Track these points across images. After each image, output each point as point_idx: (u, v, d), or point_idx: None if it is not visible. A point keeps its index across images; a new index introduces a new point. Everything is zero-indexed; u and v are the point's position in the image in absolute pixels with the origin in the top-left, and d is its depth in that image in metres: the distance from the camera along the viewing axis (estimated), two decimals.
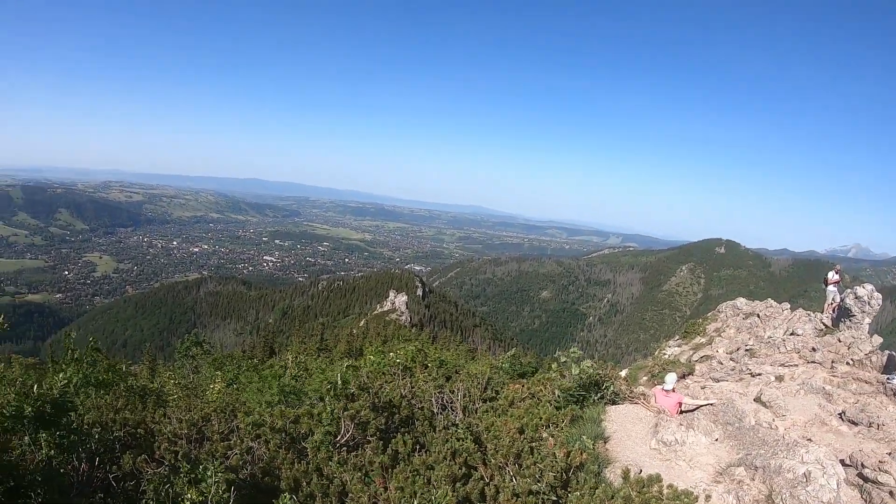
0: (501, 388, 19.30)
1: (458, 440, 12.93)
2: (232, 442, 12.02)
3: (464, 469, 11.85)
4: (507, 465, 12.05)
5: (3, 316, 7.73)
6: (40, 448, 7.94)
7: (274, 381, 17.75)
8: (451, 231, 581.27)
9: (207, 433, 13.08)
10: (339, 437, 12.79)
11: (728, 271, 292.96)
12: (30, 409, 7.74)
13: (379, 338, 71.22)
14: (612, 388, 16.77)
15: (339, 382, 14.39)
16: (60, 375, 8.83)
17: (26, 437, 7.95)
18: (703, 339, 35.21)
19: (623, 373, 23.36)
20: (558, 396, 16.40)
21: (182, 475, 8.37)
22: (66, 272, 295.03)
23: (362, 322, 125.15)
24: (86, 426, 8.80)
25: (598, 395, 16.30)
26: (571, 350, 17.42)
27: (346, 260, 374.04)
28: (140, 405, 15.63)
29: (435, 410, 15.99)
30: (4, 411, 7.63)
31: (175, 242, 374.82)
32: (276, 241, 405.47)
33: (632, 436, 14.36)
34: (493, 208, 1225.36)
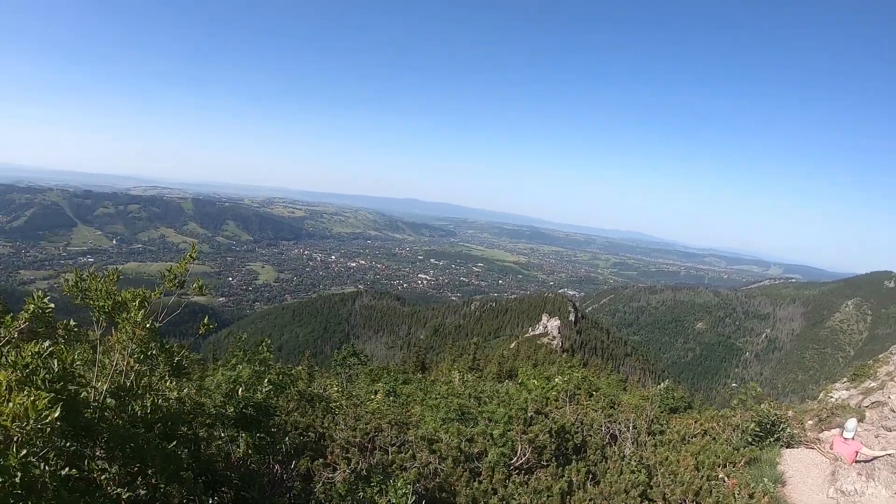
0: (668, 421, 18.61)
1: (632, 472, 12.45)
2: (408, 454, 11.94)
3: (642, 502, 11.38)
4: (685, 502, 11.50)
5: (206, 317, 7.78)
6: (238, 447, 8.00)
7: (450, 399, 17.57)
8: (607, 256, 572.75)
9: (380, 443, 13.05)
10: (513, 460, 12.53)
11: None
12: (232, 409, 7.80)
13: (529, 361, 70.80)
14: (788, 431, 15.91)
15: (520, 406, 14.22)
16: (241, 374, 8.86)
17: (223, 434, 8.04)
18: (874, 384, 33.04)
19: (789, 415, 22.23)
20: (735, 435, 15.66)
21: (374, 484, 8.30)
22: (231, 278, 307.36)
23: (513, 344, 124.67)
24: (276, 430, 8.80)
25: (775, 436, 15.49)
26: (749, 386, 16.63)
27: (500, 281, 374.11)
28: (309, 409, 15.81)
29: (605, 440, 15.53)
30: (210, 410, 7.73)
31: (333, 257, 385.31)
32: (432, 260, 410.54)
33: (808, 482, 13.69)
34: (650, 234, 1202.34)
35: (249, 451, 7.95)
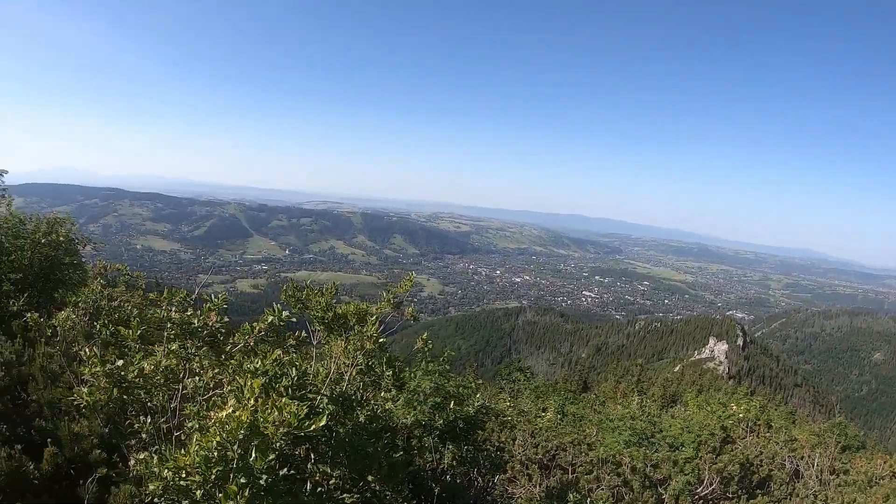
0: (849, 460, 17.71)
1: None
2: (592, 476, 11.84)
3: None
4: None
5: (426, 333, 8.01)
6: (443, 458, 8.16)
7: (633, 421, 17.33)
8: (778, 277, 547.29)
9: (560, 462, 13.00)
10: (699, 489, 12.21)
11: None
12: (442, 421, 7.96)
13: (694, 387, 68.71)
14: None
15: (710, 432, 13.91)
16: (422, 384, 9.01)
17: (428, 444, 8.21)
18: None
19: None
20: None
21: (571, 502, 8.29)
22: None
23: (677, 367, 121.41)
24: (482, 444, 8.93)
25: None
26: None
27: (666, 301, 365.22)
28: (487, 423, 15.90)
29: (789, 476, 14.96)
30: (421, 420, 7.93)
31: (498, 271, 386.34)
32: (596, 277, 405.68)
33: None
34: (825, 253, 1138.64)
35: (454, 463, 8.08)
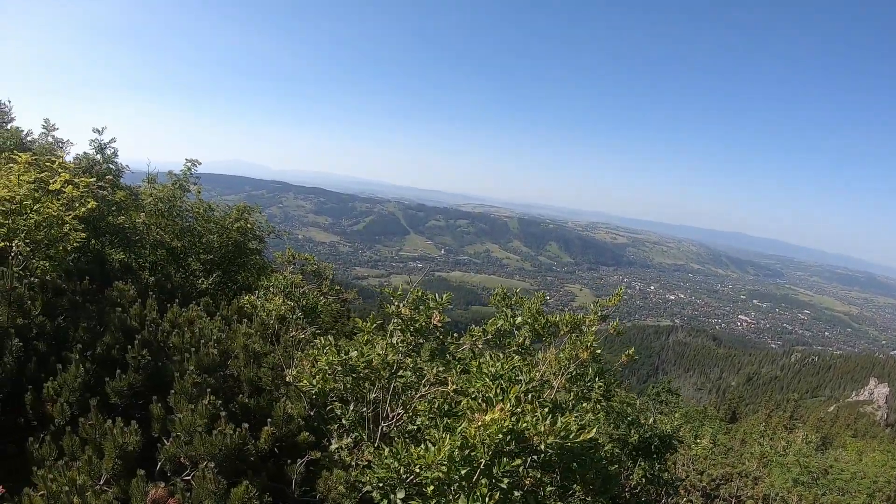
0: None
1: None
2: None
3: None
4: None
5: (631, 349, 8.04)
6: (632, 475, 8.15)
7: (806, 458, 16.77)
8: None
9: (724, 493, 12.71)
10: None
11: None
12: (636, 437, 7.95)
13: (848, 431, 65.59)
14: None
15: (886, 480, 13.29)
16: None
17: (620, 456, 8.22)
18: None
19: None
20: None
21: None
22: (548, 297, 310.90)
23: (832, 408, 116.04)
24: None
25: None
26: None
27: (826, 333, 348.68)
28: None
29: None
30: (614, 435, 7.95)
31: (652, 287, 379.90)
32: (754, 301, 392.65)
33: None
34: None
35: (643, 481, 8.03)
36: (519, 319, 6.93)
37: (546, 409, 4.78)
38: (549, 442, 4.57)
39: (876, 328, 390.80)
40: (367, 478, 4.99)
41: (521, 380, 5.34)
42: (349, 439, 6.71)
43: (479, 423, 4.55)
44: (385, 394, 6.79)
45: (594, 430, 4.86)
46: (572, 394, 6.44)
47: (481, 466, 4.52)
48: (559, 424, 4.59)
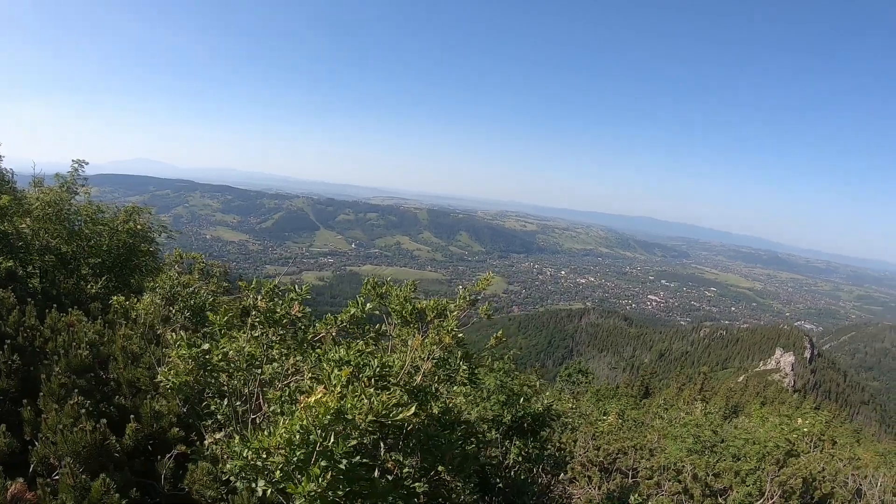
0: None
1: None
2: (653, 482, 11.84)
3: None
4: None
5: (501, 331, 8.20)
6: (508, 454, 8.29)
7: (698, 428, 17.24)
8: (850, 288, 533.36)
9: (621, 466, 13.02)
10: (759, 501, 12.12)
11: None
12: (510, 417, 8.08)
13: (758, 398, 67.72)
14: None
15: (775, 445, 13.79)
16: (487, 381, 9.12)
17: (494, 438, 8.36)
18: None
19: None
20: None
21: None
22: (460, 286, 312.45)
23: (741, 378, 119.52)
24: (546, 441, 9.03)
25: None
26: None
27: (732, 308, 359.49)
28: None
29: (851, 495, 14.74)
30: (487, 415, 8.07)
31: (563, 272, 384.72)
32: (662, 282, 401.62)
33: None
34: None
35: (519, 459, 8.19)
36: (369, 306, 7.00)
37: (370, 390, 4.86)
38: (368, 420, 4.65)
39: (779, 302, 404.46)
40: (229, 468, 5.00)
41: (368, 364, 5.41)
42: (222, 434, 6.69)
43: (303, 406, 4.61)
44: (255, 387, 6.79)
45: (412, 408, 4.96)
46: (430, 378, 6.52)
47: (317, 448, 4.56)
48: (376, 404, 4.67)
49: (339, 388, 4.77)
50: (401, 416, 4.81)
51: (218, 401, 7.04)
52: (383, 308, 7.14)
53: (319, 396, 4.52)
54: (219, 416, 7.02)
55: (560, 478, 11.42)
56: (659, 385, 79.08)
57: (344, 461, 4.57)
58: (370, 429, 4.83)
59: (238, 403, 6.96)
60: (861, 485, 15.25)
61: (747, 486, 12.43)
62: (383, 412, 4.66)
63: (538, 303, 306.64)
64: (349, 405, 4.56)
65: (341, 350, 5.46)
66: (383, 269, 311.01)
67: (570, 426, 17.51)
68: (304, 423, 4.48)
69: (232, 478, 5.22)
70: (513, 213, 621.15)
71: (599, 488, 11.33)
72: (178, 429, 7.51)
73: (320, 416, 4.45)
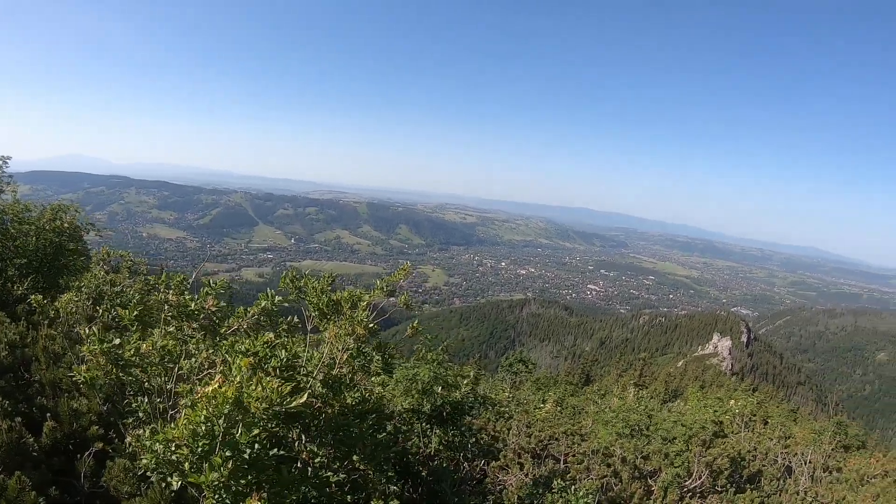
0: (845, 459, 17.90)
1: None
2: (583, 466, 12.05)
3: None
4: None
5: (416, 321, 8.33)
6: (431, 442, 8.40)
7: (626, 414, 17.55)
8: (784, 274, 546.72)
9: (553, 452, 13.22)
10: (688, 481, 12.41)
11: None
12: (429, 406, 8.19)
13: (697, 382, 68.84)
14: None
15: (701, 426, 14.12)
16: (420, 373, 9.23)
17: (418, 428, 8.47)
18: None
19: None
20: None
21: (555, 491, 8.48)
22: (401, 280, 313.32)
23: (681, 363, 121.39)
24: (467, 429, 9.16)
25: None
26: None
27: (671, 296, 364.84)
28: (483, 412, 16.17)
29: (780, 472, 15.14)
30: (409, 405, 8.16)
31: (503, 263, 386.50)
32: (602, 271, 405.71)
33: None
34: (830, 251, 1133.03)
35: (440, 447, 8.30)
36: (278, 299, 7.06)
37: (269, 379, 4.93)
38: (262, 408, 4.73)
39: (716, 289, 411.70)
40: (145, 463, 5.04)
41: (275, 355, 5.47)
42: (145, 430, 6.70)
43: (200, 396, 4.68)
44: (174, 382, 6.80)
45: (304, 396, 5.06)
46: (346, 369, 6.61)
47: (220, 438, 4.63)
48: (270, 392, 4.75)
49: (239, 378, 4.85)
50: (294, 403, 4.88)
51: (140, 398, 7.05)
52: (303, 301, 7.19)
53: (216, 387, 4.60)
54: (140, 414, 7.02)
55: (492, 465, 11.56)
56: (600, 372, 79.90)
57: (248, 451, 4.65)
58: (268, 417, 4.89)
59: (158, 400, 6.97)
60: (791, 462, 15.66)
61: (675, 467, 12.72)
62: (277, 400, 4.73)
63: (479, 294, 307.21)
64: (246, 394, 4.63)
65: (247, 341, 5.52)
66: (323, 264, 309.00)
67: (505, 415, 17.69)
68: (206, 413, 4.55)
69: (148, 473, 5.26)
70: (453, 206, 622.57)
71: (529, 474, 11.50)
72: (98, 427, 7.49)
73: (220, 406, 4.52)
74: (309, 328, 7.00)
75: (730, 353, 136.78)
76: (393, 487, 6.82)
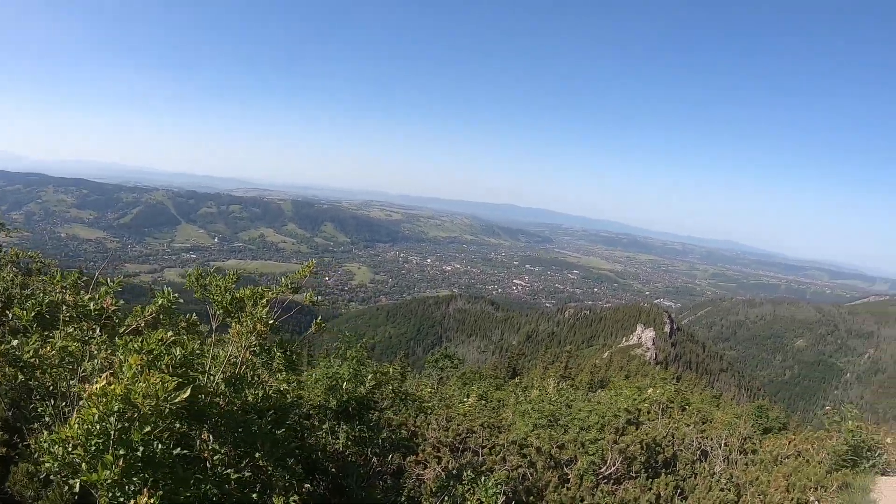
0: (761, 441, 18.41)
1: (721, 490, 12.46)
2: (499, 457, 12.22)
3: None
4: None
5: (319, 317, 8.36)
6: (338, 438, 8.45)
7: (542, 405, 17.80)
8: (704, 267, 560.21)
9: (471, 445, 13.36)
10: (603, 469, 12.68)
11: None
12: (335, 402, 8.23)
13: (622, 372, 70.14)
14: (884, 457, 15.52)
15: (613, 414, 14.44)
16: (340, 371, 9.29)
17: (324, 425, 8.51)
18: None
19: (888, 440, 21.62)
20: (828, 458, 15.40)
21: (464, 483, 8.60)
22: (327, 278, 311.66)
23: (606, 354, 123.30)
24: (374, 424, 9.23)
25: (870, 462, 15.11)
26: (846, 407, 16.37)
27: (595, 290, 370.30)
28: (403, 408, 16.27)
29: (696, 456, 15.51)
30: (312, 402, 8.19)
31: (429, 260, 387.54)
32: (527, 266, 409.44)
33: None
34: (749, 244, 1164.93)
35: (348, 443, 8.36)
36: (175, 296, 7.05)
37: (156, 375, 4.94)
38: (151, 405, 4.75)
39: (639, 282, 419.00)
40: (47, 466, 5.00)
41: (169, 353, 5.47)
42: (44, 434, 6.62)
43: (88, 395, 4.68)
44: (77, 384, 6.73)
45: (187, 391, 5.08)
46: (248, 366, 6.64)
47: (113, 437, 4.63)
48: (154, 388, 4.77)
49: (130, 376, 4.85)
50: (178, 399, 4.90)
51: (46, 402, 6.96)
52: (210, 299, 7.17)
53: (103, 384, 4.60)
54: (46, 418, 6.94)
55: (408, 459, 11.67)
56: (528, 365, 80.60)
57: (141, 449, 4.66)
58: (161, 414, 4.90)
59: (64, 404, 6.90)
60: (707, 446, 16.03)
61: (590, 455, 12.98)
62: (164, 396, 4.75)
63: (405, 291, 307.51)
64: (134, 391, 4.63)
65: (140, 339, 5.51)
66: (248, 264, 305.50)
67: (427, 410, 17.81)
68: (98, 412, 4.54)
69: (51, 476, 5.23)
70: (379, 203, 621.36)
71: (444, 469, 11.61)
72: (2, 432, 7.38)
73: (109, 404, 4.52)
74: (214, 326, 6.98)
75: (654, 344, 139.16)
76: (294, 483, 6.85)
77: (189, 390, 5.01)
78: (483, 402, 25.48)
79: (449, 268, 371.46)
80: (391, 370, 12.05)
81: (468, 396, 27.49)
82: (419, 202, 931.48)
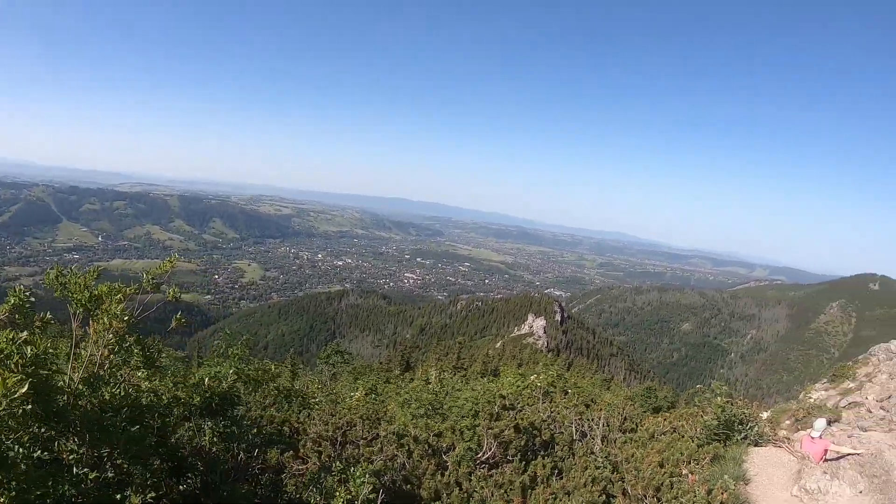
0: (641, 419, 19.03)
1: (597, 468, 12.82)
2: (376, 448, 12.31)
3: (602, 497, 11.73)
4: (646, 497, 11.86)
5: (179, 313, 8.23)
6: (203, 435, 8.38)
7: (420, 395, 18.01)
8: (593, 257, 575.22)
9: (351, 437, 13.42)
10: (480, 454, 12.91)
11: (882, 310, 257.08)
12: (198, 398, 8.16)
13: (515, 360, 71.16)
14: (755, 429, 16.19)
15: (487, 400, 14.70)
16: (222, 370, 9.23)
17: (189, 424, 8.43)
18: (853, 385, 33.32)
19: (765, 415, 22.54)
20: (701, 433, 16.00)
21: (334, 474, 8.66)
22: (217, 276, 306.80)
23: (499, 344, 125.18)
24: (240, 419, 9.17)
25: (742, 435, 15.76)
26: (715, 384, 17.02)
27: (486, 281, 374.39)
28: (286, 405, 16.23)
29: (574, 437, 15.90)
30: (175, 399, 8.10)
31: (320, 255, 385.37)
32: (418, 259, 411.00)
33: (773, 480, 13.86)
34: (636, 235, 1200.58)
35: (214, 439, 8.31)
36: (27, 294, 6.91)
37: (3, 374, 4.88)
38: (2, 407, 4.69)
39: (530, 273, 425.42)
40: None
41: (17, 352, 5.36)
42: None
43: None
44: None
45: (25, 386, 5.03)
46: (106, 364, 6.56)
47: None
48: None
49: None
50: (18, 393, 4.83)
51: None
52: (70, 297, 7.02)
53: None
54: None
55: (286, 455, 11.66)
56: (421, 358, 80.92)
57: (15, 448, 4.58)
58: (11, 414, 4.82)
59: None
60: (586, 428, 16.43)
61: (466, 441, 13.20)
62: (2, 392, 4.68)
63: (297, 288, 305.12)
64: None
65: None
66: (134, 263, 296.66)
67: (311, 406, 17.84)
68: None
69: None
70: (267, 198, 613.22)
71: (324, 462, 11.65)
72: None
73: None
74: (74, 325, 6.85)
75: (545, 332, 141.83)
76: (153, 480, 6.79)
77: (27, 384, 4.92)
78: (373, 395, 25.62)
79: (340, 263, 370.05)
80: (273, 368, 12.02)
81: (356, 391, 27.59)
82: (310, 196, 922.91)
